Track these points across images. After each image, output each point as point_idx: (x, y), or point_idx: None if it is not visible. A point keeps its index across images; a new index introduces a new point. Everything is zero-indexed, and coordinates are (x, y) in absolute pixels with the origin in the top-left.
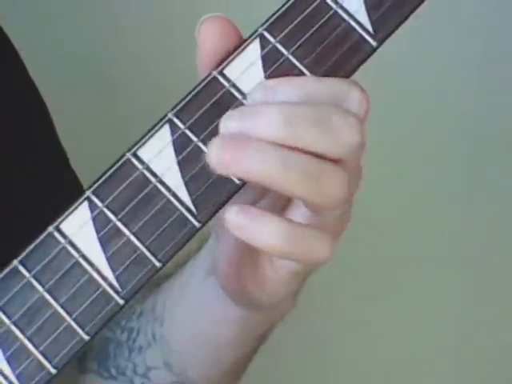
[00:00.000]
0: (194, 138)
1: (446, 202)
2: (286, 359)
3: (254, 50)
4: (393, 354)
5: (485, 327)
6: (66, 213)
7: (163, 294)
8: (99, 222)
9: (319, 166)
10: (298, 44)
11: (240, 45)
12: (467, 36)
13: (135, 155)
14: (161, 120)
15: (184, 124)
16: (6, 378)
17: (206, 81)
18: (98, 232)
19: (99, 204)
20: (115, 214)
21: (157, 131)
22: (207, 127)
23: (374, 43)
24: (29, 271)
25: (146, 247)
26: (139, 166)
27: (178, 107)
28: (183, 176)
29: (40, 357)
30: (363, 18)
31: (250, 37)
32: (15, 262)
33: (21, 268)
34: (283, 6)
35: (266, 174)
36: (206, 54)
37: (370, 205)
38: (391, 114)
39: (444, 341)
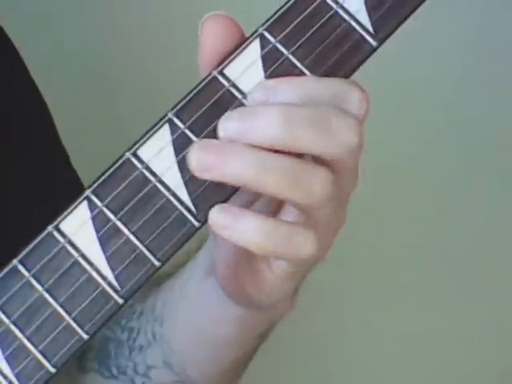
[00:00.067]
0: (194, 138)
1: (446, 202)
2: (286, 358)
3: (254, 50)
4: (392, 354)
5: (485, 327)
6: (66, 212)
7: (163, 293)
8: (99, 221)
9: (300, 167)
10: (298, 44)
11: (240, 44)
12: (467, 36)
13: (135, 155)
14: (161, 120)
15: (184, 124)
16: (5, 377)
17: (206, 80)
18: (97, 231)
19: (99, 203)
20: (115, 214)
21: (156, 131)
22: (207, 127)
23: (374, 43)
24: (28, 270)
25: (146, 246)
26: (139, 165)
27: (178, 107)
28: (183, 176)
29: (39, 356)
30: (364, 18)
31: (250, 36)
32: (15, 262)
33: (20, 267)
34: (283, 5)
35: (244, 178)
36: (207, 53)
37: (370, 204)
38: (391, 114)
39: (444, 340)
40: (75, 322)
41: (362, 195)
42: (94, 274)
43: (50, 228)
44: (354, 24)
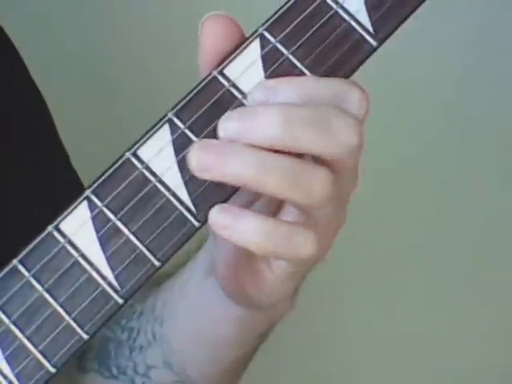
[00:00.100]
0: (194, 138)
1: (446, 202)
2: (286, 359)
3: (254, 50)
4: (392, 354)
5: (485, 327)
6: (66, 212)
7: (163, 293)
8: (99, 221)
9: (300, 167)
10: (298, 44)
11: (240, 44)
12: (467, 36)
13: (135, 155)
14: (161, 120)
15: (184, 124)
16: (5, 377)
17: (206, 80)
18: (97, 231)
19: (99, 203)
20: (115, 214)
21: (156, 131)
22: (207, 127)
23: (374, 43)
24: (28, 270)
25: (146, 246)
26: (139, 165)
27: (178, 107)
28: (183, 176)
29: (39, 356)
30: (364, 18)
31: (250, 36)
32: (15, 262)
33: (20, 267)
34: (283, 5)
35: (244, 178)
36: (207, 53)
37: (370, 204)
38: (391, 114)
39: (444, 340)
40: (75, 321)
41: (362, 195)
42: (94, 274)
43: (50, 228)
44: (354, 24)
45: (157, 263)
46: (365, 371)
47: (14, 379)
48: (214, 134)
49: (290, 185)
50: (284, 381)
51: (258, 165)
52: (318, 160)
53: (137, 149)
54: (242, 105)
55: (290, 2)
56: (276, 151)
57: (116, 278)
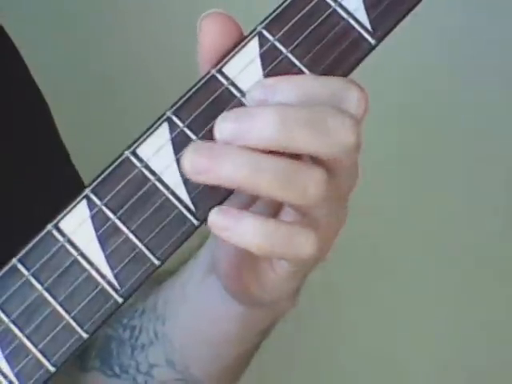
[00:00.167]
0: (193, 136)
1: (446, 202)
2: (287, 358)
3: (252, 48)
4: (393, 354)
5: (485, 327)
6: (65, 211)
7: (164, 292)
8: (98, 220)
9: (293, 167)
10: (297, 42)
11: (239, 43)
12: (467, 35)
13: (134, 153)
14: (159, 118)
15: (183, 122)
16: (5, 376)
17: (205, 79)
18: (96, 230)
19: (98, 202)
20: (114, 212)
21: (156, 129)
22: (206, 125)
23: (372, 41)
24: (27, 269)
25: (145, 245)
26: (138, 164)
27: (177, 105)
28: (182, 174)
29: (39, 355)
30: (362, 16)
31: (248, 35)
32: (14, 261)
33: (19, 266)
34: (282, 3)
35: (237, 180)
36: (206, 51)
37: (370, 204)
38: (391, 113)
39: (444, 340)
40: (75, 320)
41: (361, 195)
42: (94, 273)
43: (49, 227)
44: (352, 22)
45: (156, 262)
46: (365, 371)
47: (13, 378)
48: (212, 133)
49: (283, 185)
50: (285, 379)
51: (251, 166)
52: (315, 160)
53: (136, 147)
54: (240, 103)
55: (289, 1)
56: (272, 152)
57: (115, 276)
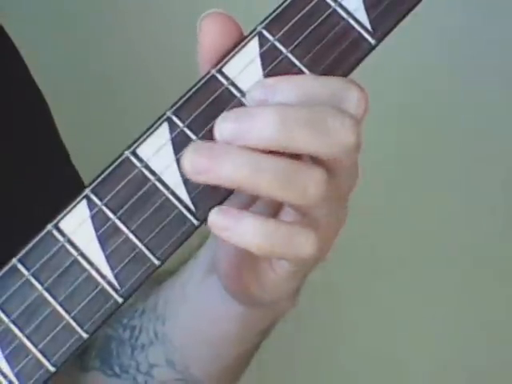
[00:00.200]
0: (193, 136)
1: (446, 202)
2: (287, 358)
3: (252, 48)
4: (392, 354)
5: (485, 327)
6: (65, 211)
7: (164, 292)
8: (98, 220)
9: (293, 167)
10: (297, 42)
11: (239, 43)
12: (467, 35)
13: (134, 153)
14: (159, 118)
15: (183, 122)
16: (5, 376)
17: (205, 79)
18: (96, 230)
19: (98, 202)
20: (114, 212)
21: (156, 129)
22: (206, 125)
23: (372, 41)
24: (27, 269)
25: (145, 245)
26: (138, 163)
27: (177, 105)
28: (182, 174)
29: (39, 355)
30: (362, 16)
31: (248, 35)
32: (14, 261)
33: (20, 266)
34: (282, 3)
35: (237, 180)
36: (206, 51)
37: (370, 204)
38: (391, 113)
39: (444, 340)
40: (75, 320)
41: (361, 195)
42: (94, 273)
43: (49, 227)
44: (352, 22)
45: (156, 262)
46: (365, 371)
47: (13, 378)
48: (212, 133)
49: (283, 185)
50: (284, 381)
51: (251, 166)
52: (315, 160)
53: (136, 147)
54: (240, 103)
55: (289, 1)
56: (272, 152)
57: (115, 276)
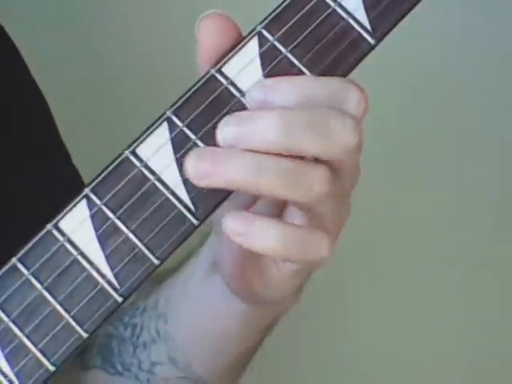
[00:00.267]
0: (193, 136)
1: (446, 202)
2: (286, 359)
3: (252, 48)
4: (393, 354)
5: (486, 327)
6: (65, 210)
7: (165, 290)
8: (98, 219)
9: (297, 166)
10: (296, 42)
11: (238, 43)
12: (467, 35)
13: (133, 153)
14: (159, 118)
15: (182, 122)
16: (5, 375)
17: (204, 79)
18: (96, 230)
19: (97, 202)
20: (113, 212)
21: (155, 129)
22: (205, 125)
23: (372, 41)
24: (27, 269)
25: (145, 245)
26: (137, 163)
27: (177, 105)
28: (182, 174)
29: (39, 354)
30: (361, 16)
31: (248, 35)
32: (14, 260)
33: (19, 266)
34: (281, 3)
35: (241, 183)
36: (205, 52)
37: (370, 204)
38: (391, 113)
39: (444, 340)
40: (74, 320)
41: (361, 195)
42: (93, 273)
43: (49, 226)
44: (351, 22)
45: (156, 261)
46: (365, 371)
47: (13, 378)
48: (212, 133)
49: (287, 184)
50: (287, 380)
51: (254, 167)
52: (317, 160)
53: (135, 147)
54: (240, 103)
55: (288, 1)
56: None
57: (115, 276)
